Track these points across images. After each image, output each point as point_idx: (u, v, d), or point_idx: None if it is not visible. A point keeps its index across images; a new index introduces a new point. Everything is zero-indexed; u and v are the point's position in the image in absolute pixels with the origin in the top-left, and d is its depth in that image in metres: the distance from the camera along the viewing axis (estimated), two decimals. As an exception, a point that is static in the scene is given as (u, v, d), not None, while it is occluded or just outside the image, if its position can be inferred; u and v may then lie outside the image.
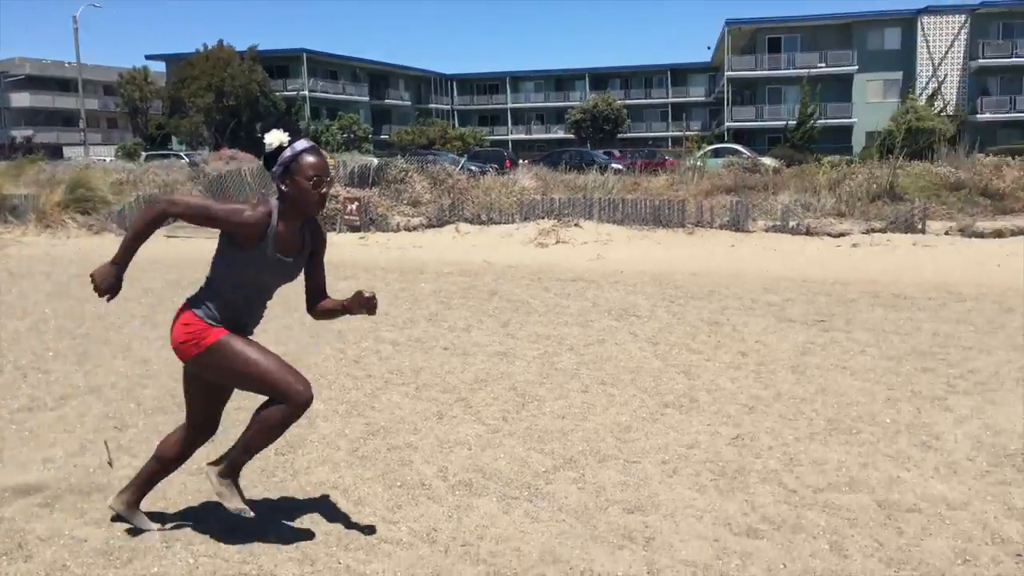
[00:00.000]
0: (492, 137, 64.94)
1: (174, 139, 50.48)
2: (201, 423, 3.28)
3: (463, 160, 29.62)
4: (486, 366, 6.14)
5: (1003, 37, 46.72)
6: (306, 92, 56.19)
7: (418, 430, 4.68)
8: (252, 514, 3.14)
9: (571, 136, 59.26)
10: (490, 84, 73.65)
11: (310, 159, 2.96)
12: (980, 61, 46.22)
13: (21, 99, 62.71)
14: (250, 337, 3.14)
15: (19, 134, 56.21)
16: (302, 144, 2.99)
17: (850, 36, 48.68)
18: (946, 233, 14.13)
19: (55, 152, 47.78)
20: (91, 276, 2.96)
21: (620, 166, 28.35)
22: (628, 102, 63.41)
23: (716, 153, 31.78)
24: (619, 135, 58.04)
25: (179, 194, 2.54)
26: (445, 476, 4.01)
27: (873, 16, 48.25)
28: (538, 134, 69.49)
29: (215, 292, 3.04)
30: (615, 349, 6.69)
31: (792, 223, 14.90)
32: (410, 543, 3.32)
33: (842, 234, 14.29)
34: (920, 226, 14.22)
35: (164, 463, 3.33)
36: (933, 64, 47.21)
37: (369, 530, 3.41)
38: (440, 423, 4.82)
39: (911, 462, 4.16)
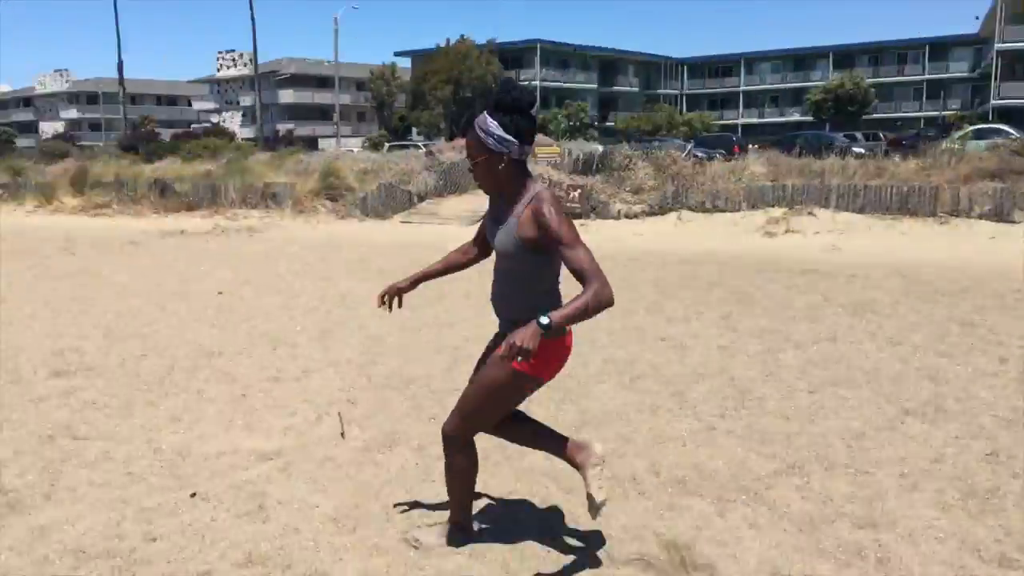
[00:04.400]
0: (721, 122, 62.88)
1: (414, 130, 53.57)
2: None
3: (689, 146, 28.82)
4: (704, 359, 5.91)
5: None
6: (538, 81, 57.42)
7: (631, 422, 4.59)
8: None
9: (808, 118, 55.91)
10: (723, 66, 71.13)
11: None
12: None
13: (286, 95, 69.21)
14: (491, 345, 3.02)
15: (283, 128, 62.21)
16: None
17: None
18: None
19: (311, 144, 52.30)
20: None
21: (862, 150, 26.26)
22: (877, 80, 58.75)
23: (979, 134, 28.51)
24: (864, 116, 53.82)
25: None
26: (658, 472, 3.89)
27: None
28: (771, 117, 66.34)
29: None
30: (849, 348, 6.18)
31: (1071, 213, 13.08)
32: (620, 539, 3.25)
33: None
34: None
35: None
36: None
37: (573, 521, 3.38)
38: (654, 416, 4.70)
39: None
